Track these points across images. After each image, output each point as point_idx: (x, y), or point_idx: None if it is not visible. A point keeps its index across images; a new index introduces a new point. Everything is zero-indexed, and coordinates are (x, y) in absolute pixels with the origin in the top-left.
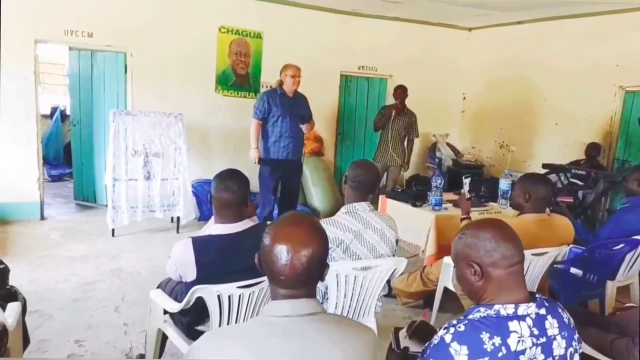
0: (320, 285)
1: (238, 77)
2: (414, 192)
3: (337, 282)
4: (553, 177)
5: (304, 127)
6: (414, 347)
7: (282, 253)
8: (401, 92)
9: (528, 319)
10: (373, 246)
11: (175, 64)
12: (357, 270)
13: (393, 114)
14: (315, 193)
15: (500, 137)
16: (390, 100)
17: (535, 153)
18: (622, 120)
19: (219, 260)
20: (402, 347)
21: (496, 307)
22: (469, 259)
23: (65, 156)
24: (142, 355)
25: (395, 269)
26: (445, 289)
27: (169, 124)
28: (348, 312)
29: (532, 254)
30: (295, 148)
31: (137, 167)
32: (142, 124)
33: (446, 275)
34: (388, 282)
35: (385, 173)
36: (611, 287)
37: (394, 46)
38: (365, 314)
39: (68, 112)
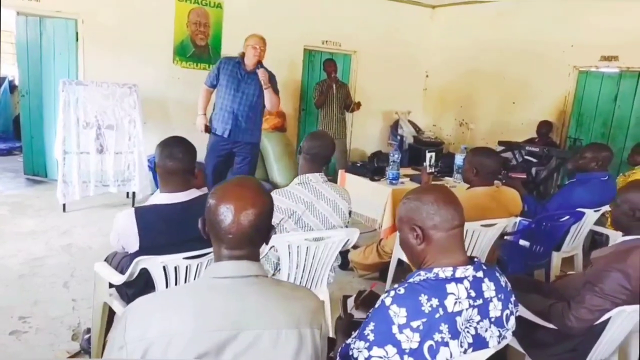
0: (272, 256)
1: (197, 48)
2: (373, 167)
3: (289, 252)
4: (509, 154)
5: (262, 77)
6: (361, 316)
7: (228, 212)
8: (334, 64)
9: (465, 282)
10: (325, 217)
11: (130, 33)
12: (309, 241)
13: (333, 86)
14: (277, 168)
15: (460, 115)
16: (354, 76)
17: (493, 131)
18: (575, 100)
19: (163, 230)
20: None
21: (435, 270)
22: (411, 223)
23: (15, 129)
24: (89, 330)
25: (348, 240)
26: (400, 261)
27: (122, 95)
28: (300, 282)
29: (482, 225)
30: (237, 129)
31: (89, 139)
32: (94, 95)
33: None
34: (343, 253)
35: None
36: (557, 257)
37: (358, 22)
38: (318, 284)
39: (17, 83)
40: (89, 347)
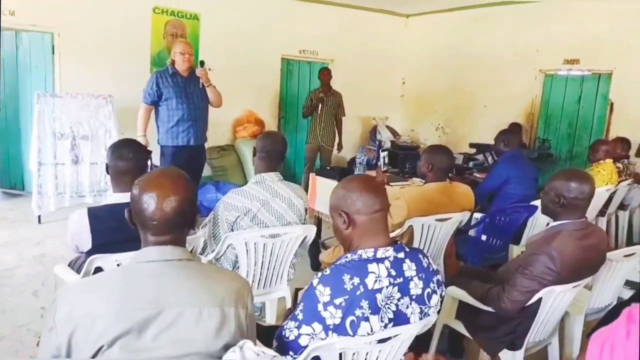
0: (230, 254)
1: None
2: (340, 169)
3: (247, 249)
4: (480, 156)
5: (202, 76)
6: None
7: (151, 200)
8: (327, 73)
9: (386, 262)
10: (281, 214)
11: (106, 45)
12: (265, 238)
13: (322, 96)
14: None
15: (436, 120)
16: (334, 84)
17: (467, 134)
18: (542, 102)
19: (116, 228)
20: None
21: (359, 252)
22: (339, 209)
23: None
24: None
25: (306, 237)
26: None
27: (98, 106)
28: (260, 279)
29: (436, 220)
30: (197, 133)
31: (64, 150)
32: (69, 107)
33: None
34: (314, 255)
35: (319, 154)
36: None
37: (335, 31)
38: (277, 281)
39: None
40: None
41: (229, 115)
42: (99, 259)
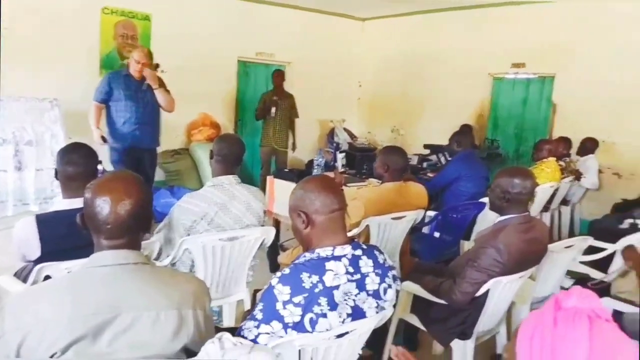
0: (186, 259)
1: (125, 61)
2: (298, 171)
3: (204, 254)
4: (434, 157)
5: (149, 77)
6: None
7: (104, 204)
8: (280, 76)
9: (344, 259)
10: (238, 217)
11: (52, 46)
12: (223, 241)
13: (276, 99)
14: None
15: (392, 122)
16: (289, 86)
17: (421, 135)
18: (491, 104)
19: (66, 235)
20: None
21: (317, 250)
22: (297, 209)
23: None
24: None
25: (265, 239)
26: None
27: (43, 109)
28: (218, 282)
29: (392, 218)
30: (146, 136)
31: (6, 157)
32: (11, 110)
33: None
34: (273, 257)
35: (274, 157)
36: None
37: (291, 34)
38: (236, 284)
39: None
40: None
41: (184, 118)
42: (48, 267)
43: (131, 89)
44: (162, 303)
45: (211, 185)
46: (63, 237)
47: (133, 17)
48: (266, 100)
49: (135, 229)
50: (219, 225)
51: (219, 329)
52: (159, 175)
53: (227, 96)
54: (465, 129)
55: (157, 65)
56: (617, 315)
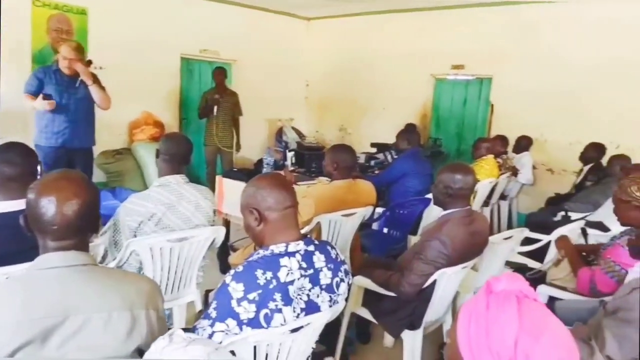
0: (133, 261)
1: None
2: (247, 171)
3: (152, 255)
4: (381, 155)
5: (82, 72)
6: None
7: (50, 204)
8: (221, 73)
9: (297, 255)
10: (187, 217)
11: None
12: (172, 242)
13: (218, 98)
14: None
15: (339, 121)
16: (236, 84)
17: (368, 134)
18: (433, 104)
19: (4, 240)
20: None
21: (271, 247)
22: (249, 207)
23: None
24: None
25: (215, 239)
26: None
27: None
28: (167, 284)
29: (342, 215)
30: (76, 134)
31: None
32: None
33: None
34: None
35: (219, 157)
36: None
37: (237, 31)
38: (186, 285)
39: None
40: None
41: (125, 117)
42: None
43: (62, 84)
44: (115, 303)
45: (158, 185)
46: (3, 242)
47: (68, 11)
48: (208, 98)
49: (83, 229)
50: (167, 226)
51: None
52: (99, 176)
53: (170, 94)
54: (412, 128)
55: (89, 62)
56: (552, 302)
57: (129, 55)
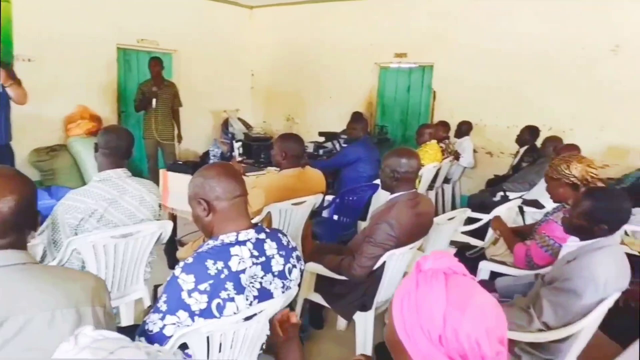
0: (75, 260)
1: None
2: (193, 163)
3: (95, 253)
4: (329, 144)
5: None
6: None
7: None
8: (157, 64)
9: (249, 243)
10: (131, 212)
11: None
12: (116, 239)
13: (155, 90)
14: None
15: (286, 111)
16: (177, 75)
17: (315, 123)
18: (378, 92)
19: None
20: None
21: (221, 237)
22: (197, 197)
23: None
24: None
25: (162, 234)
26: None
27: None
28: (112, 282)
29: (292, 204)
30: None
31: None
32: None
33: None
34: (171, 253)
35: (160, 150)
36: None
37: (176, 20)
38: (133, 282)
39: None
40: None
41: (58, 112)
42: None
43: None
44: (59, 301)
45: (98, 181)
46: None
47: None
48: (144, 90)
49: (20, 227)
50: (110, 222)
51: (120, 329)
52: (32, 175)
53: (107, 87)
54: (358, 116)
55: (7, 64)
56: (494, 278)
57: (61, 46)
